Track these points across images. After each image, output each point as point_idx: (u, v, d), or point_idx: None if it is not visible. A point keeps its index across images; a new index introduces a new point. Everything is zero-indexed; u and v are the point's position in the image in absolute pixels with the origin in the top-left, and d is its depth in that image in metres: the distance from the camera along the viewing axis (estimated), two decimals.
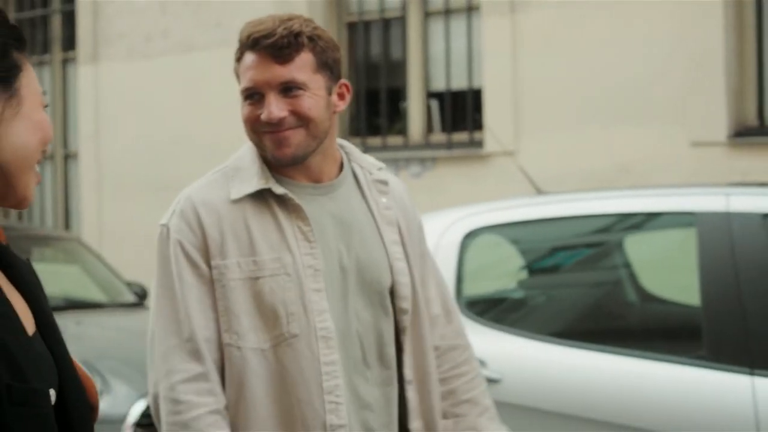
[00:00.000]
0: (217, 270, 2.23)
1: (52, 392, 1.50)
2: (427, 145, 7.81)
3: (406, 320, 2.36)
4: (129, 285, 7.07)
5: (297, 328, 2.23)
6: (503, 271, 4.35)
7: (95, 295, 6.95)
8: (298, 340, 2.23)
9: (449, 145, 7.69)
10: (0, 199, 1.54)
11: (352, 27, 8.06)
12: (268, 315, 2.23)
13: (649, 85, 6.74)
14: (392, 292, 2.35)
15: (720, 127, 6.57)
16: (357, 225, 2.34)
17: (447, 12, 7.79)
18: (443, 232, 3.95)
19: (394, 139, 7.95)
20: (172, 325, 2.23)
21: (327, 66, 2.28)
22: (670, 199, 3.78)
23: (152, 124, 8.82)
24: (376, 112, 8.07)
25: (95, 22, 9.12)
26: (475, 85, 7.65)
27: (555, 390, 3.61)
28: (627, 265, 4.25)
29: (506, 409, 3.15)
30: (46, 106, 1.58)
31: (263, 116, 2.24)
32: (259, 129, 2.26)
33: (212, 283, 2.24)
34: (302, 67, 2.24)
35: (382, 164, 2.45)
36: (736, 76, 6.65)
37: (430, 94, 7.96)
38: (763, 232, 3.38)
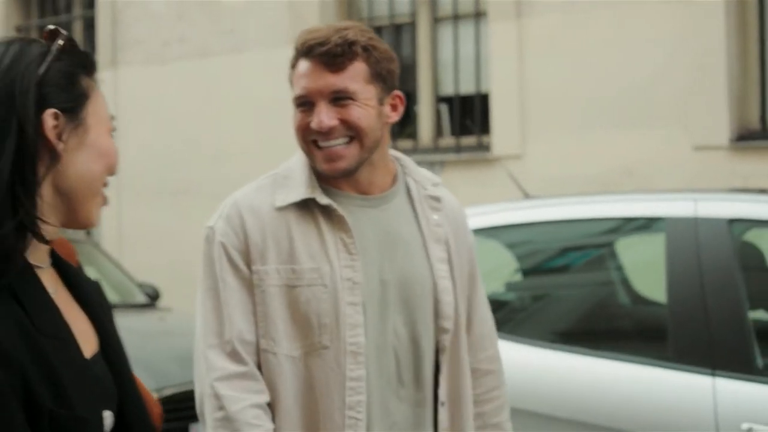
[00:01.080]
0: (257, 275, 2.23)
1: (109, 414, 1.52)
2: (436, 148, 7.89)
3: (446, 340, 2.32)
4: (141, 286, 7.21)
5: (328, 340, 2.22)
6: (488, 275, 4.41)
7: (108, 295, 7.06)
8: (327, 352, 2.22)
9: (458, 149, 7.77)
10: (65, 222, 1.55)
11: None
12: (302, 324, 2.23)
13: (652, 88, 6.76)
14: (435, 311, 2.31)
15: (722, 130, 6.59)
16: (403, 239, 2.30)
17: (455, 17, 7.87)
18: None
19: (404, 143, 8.02)
20: (213, 325, 2.24)
21: (380, 77, 2.26)
22: (641, 205, 3.85)
23: (168, 128, 8.95)
24: None
25: (114, 27, 9.28)
26: (483, 89, 7.72)
27: (537, 392, 3.68)
28: (617, 268, 4.31)
29: None
30: (113, 131, 1.58)
31: (313, 124, 2.22)
32: (308, 137, 2.24)
33: (253, 288, 2.24)
34: (355, 77, 2.22)
35: (438, 180, 2.42)
36: (739, 80, 6.67)
37: (440, 99, 8.05)
38: (728, 237, 3.44)
